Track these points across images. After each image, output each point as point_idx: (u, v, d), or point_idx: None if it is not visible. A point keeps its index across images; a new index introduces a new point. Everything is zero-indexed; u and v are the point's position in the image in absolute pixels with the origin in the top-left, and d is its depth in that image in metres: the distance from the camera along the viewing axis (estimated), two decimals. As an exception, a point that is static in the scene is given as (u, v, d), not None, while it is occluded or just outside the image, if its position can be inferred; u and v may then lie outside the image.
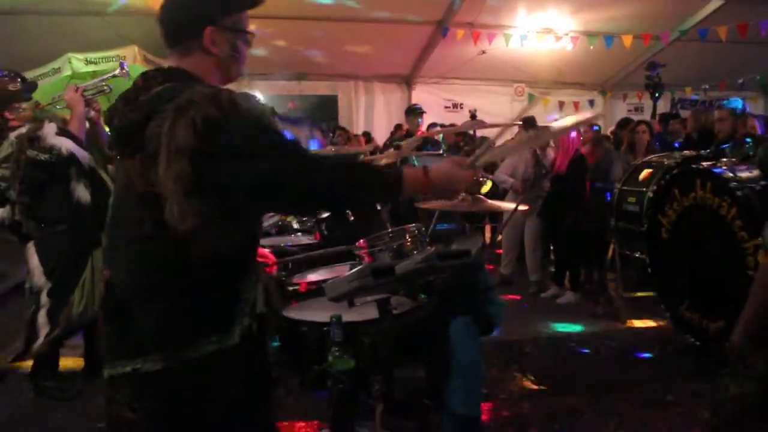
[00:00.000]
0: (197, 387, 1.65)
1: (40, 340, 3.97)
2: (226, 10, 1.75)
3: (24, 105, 4.17)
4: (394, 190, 1.69)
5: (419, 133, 8.00)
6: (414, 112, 8.25)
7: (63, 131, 4.03)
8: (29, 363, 4.17)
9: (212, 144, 1.51)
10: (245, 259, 1.73)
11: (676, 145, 6.98)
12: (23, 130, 4.01)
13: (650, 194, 5.06)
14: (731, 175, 4.20)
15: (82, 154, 4.03)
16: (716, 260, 4.28)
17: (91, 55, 7.29)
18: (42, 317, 4.01)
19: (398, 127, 9.62)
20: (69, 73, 7.13)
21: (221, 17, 1.73)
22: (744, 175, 4.19)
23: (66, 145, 3.97)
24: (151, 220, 1.58)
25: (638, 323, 5.45)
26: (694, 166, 4.68)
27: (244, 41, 1.80)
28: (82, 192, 4.04)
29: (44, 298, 4.03)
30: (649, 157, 5.82)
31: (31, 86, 4.47)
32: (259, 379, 1.83)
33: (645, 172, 5.40)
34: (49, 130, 3.99)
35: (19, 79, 4.21)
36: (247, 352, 1.70)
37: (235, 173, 1.53)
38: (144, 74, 1.71)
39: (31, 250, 4.11)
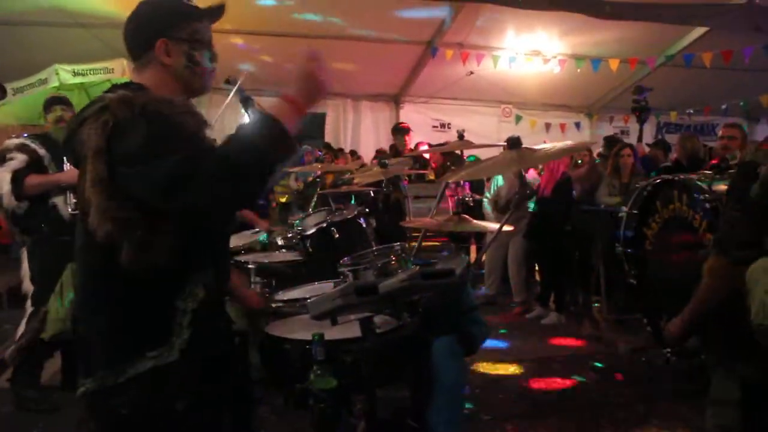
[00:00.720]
0: (140, 405, 1.59)
1: (13, 346, 3.94)
2: (178, 21, 1.72)
3: (49, 117, 4.12)
4: (286, 138, 1.51)
5: (406, 151, 8.03)
6: (400, 130, 8.30)
7: (19, 179, 3.85)
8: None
9: (119, 145, 1.50)
10: (181, 268, 1.64)
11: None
12: (15, 141, 3.98)
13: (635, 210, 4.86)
14: (705, 187, 4.09)
15: (11, 203, 3.88)
16: (691, 274, 4.19)
17: (79, 67, 7.23)
18: (23, 324, 3.97)
19: (393, 148, 9.62)
20: (56, 84, 7.07)
21: (173, 28, 1.72)
22: (719, 188, 4.02)
23: (2, 191, 3.86)
24: (85, 229, 1.57)
25: (622, 345, 5.44)
26: (672, 177, 4.63)
27: (204, 53, 1.76)
28: (61, 205, 3.98)
29: (29, 304, 4.00)
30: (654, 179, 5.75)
31: (61, 98, 4.34)
32: (240, 396, 1.80)
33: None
34: (5, 175, 3.85)
35: None
36: (195, 366, 1.64)
37: (137, 174, 1.48)
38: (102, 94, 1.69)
39: (24, 252, 4.09)
